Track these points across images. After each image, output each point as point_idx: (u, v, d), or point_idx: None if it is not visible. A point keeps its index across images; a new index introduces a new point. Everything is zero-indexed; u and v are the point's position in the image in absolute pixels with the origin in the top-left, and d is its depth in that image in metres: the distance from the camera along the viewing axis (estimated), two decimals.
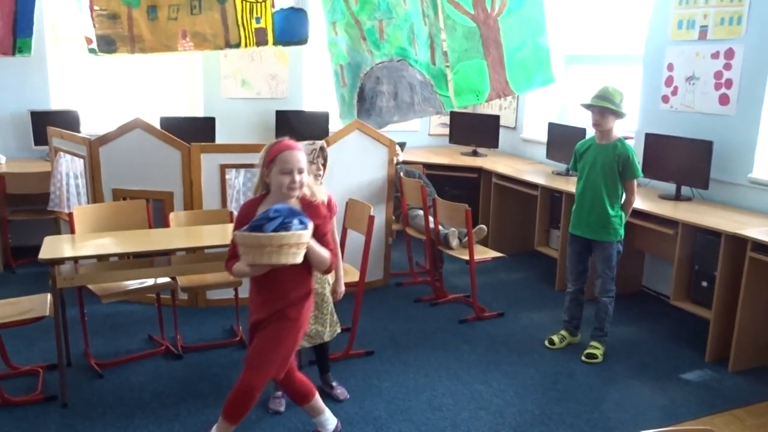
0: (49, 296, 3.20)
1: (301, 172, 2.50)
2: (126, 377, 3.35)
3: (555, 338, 3.89)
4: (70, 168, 4.41)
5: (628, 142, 3.65)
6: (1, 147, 5.13)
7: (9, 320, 3.03)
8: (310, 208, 2.55)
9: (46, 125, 4.71)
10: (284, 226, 2.37)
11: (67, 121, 5.07)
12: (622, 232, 3.65)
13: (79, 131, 4.94)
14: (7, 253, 4.91)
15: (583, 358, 3.70)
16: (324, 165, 3.06)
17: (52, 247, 3.11)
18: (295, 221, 2.41)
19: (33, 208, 4.88)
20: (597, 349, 3.72)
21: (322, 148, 2.99)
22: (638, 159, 3.65)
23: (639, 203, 3.89)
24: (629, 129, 4.74)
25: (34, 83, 5.17)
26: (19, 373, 3.32)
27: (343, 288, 3.15)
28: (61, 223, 4.57)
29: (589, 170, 3.64)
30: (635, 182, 3.62)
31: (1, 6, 3.91)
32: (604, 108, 3.51)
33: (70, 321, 3.36)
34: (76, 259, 3.22)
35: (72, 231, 3.49)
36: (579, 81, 5.75)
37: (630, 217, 3.75)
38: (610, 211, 3.58)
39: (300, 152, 2.51)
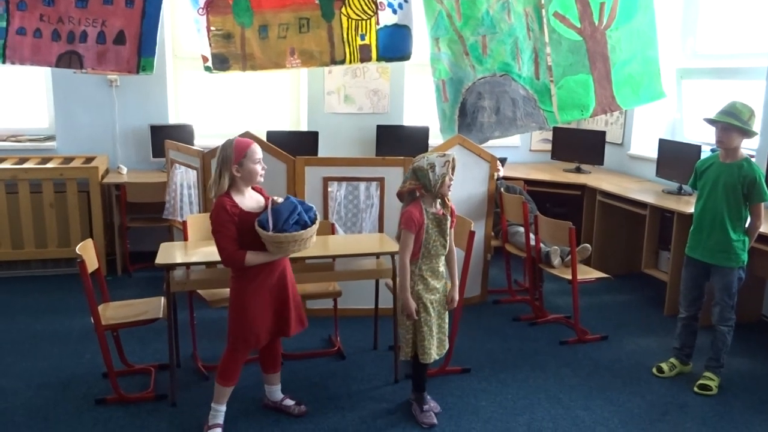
0: (162, 299, 3.38)
1: None
2: None
3: (664, 366, 3.67)
4: (185, 179, 4.64)
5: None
6: (123, 158, 5.53)
7: (126, 321, 3.25)
8: (262, 191, 2.92)
9: (164, 138, 5.02)
10: (310, 219, 2.80)
11: (183, 134, 5.39)
12: (744, 257, 3.40)
13: (193, 144, 5.23)
14: (125, 258, 5.25)
15: (695, 389, 3.47)
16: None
17: (167, 254, 3.27)
18: (311, 210, 2.84)
19: (149, 216, 5.19)
20: (712, 381, 3.47)
21: (453, 159, 2.99)
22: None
23: (762, 226, 3.61)
24: (750, 147, 4.43)
25: (155, 99, 5.53)
26: (134, 371, 3.53)
27: (457, 295, 3.13)
28: (174, 231, 4.82)
29: (710, 190, 3.41)
30: (762, 206, 3.35)
31: (129, 28, 4.20)
32: (728, 124, 3.28)
33: (180, 324, 3.51)
34: (188, 265, 3.39)
35: (185, 238, 3.67)
36: (694, 96, 5.45)
37: None
38: (732, 235, 3.35)
39: None
